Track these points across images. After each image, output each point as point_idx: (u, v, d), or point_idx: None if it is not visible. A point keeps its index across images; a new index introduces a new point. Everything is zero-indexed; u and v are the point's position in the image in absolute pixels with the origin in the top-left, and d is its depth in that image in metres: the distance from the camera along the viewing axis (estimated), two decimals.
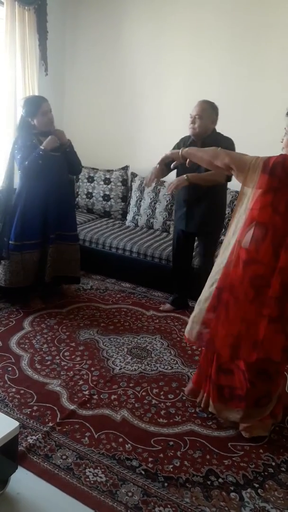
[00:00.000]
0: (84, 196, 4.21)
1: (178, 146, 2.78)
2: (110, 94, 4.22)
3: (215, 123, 2.70)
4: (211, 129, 2.68)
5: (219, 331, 1.82)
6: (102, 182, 4.12)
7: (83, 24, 4.22)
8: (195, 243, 3.05)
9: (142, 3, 3.87)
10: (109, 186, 4.10)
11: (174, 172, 2.67)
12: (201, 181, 2.57)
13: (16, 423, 1.49)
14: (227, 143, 2.57)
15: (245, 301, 1.74)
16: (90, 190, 4.17)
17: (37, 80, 3.98)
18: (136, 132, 4.15)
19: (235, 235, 1.78)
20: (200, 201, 2.75)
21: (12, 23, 3.66)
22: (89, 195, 4.18)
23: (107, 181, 4.11)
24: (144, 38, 3.94)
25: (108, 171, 4.14)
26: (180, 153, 2.06)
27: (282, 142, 1.76)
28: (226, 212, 3.08)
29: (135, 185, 3.98)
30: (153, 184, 3.05)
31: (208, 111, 2.63)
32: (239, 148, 3.46)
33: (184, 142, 2.77)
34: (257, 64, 3.50)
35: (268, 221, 1.66)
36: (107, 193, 4.11)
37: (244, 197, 1.74)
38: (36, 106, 2.73)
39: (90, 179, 4.17)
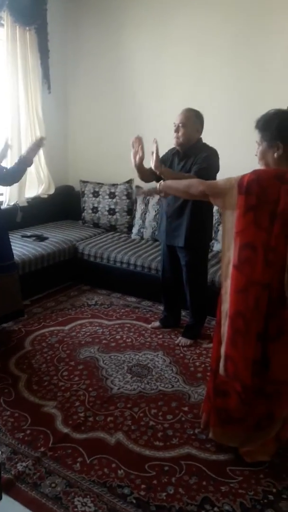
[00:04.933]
0: (90, 211, 4.20)
1: (165, 156, 2.73)
2: (112, 108, 4.23)
3: (200, 132, 2.61)
4: (196, 138, 2.59)
5: (240, 360, 1.73)
6: (107, 197, 4.11)
7: (83, 41, 4.26)
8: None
9: (141, 18, 3.89)
10: (114, 200, 4.08)
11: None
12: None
13: None
14: (207, 153, 2.50)
15: (256, 326, 1.66)
16: (96, 205, 4.16)
17: (41, 98, 4.03)
18: None
19: (230, 261, 1.70)
20: (182, 215, 2.62)
21: (13, 44, 3.72)
22: (95, 209, 4.17)
23: (112, 195, 4.09)
24: (145, 52, 3.94)
25: (113, 185, 4.13)
26: (157, 188, 2.06)
27: (256, 155, 1.71)
28: (214, 223, 2.94)
29: (139, 198, 3.95)
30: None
31: (192, 119, 2.55)
32: (245, 153, 3.40)
33: (169, 152, 2.72)
34: (260, 69, 3.44)
35: (255, 239, 1.59)
36: (112, 207, 4.09)
37: (228, 222, 1.67)
38: None
39: (96, 194, 4.16)
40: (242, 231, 1.60)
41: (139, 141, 2.52)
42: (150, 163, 2.38)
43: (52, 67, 4.10)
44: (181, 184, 1.92)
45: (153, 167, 2.35)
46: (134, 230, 3.97)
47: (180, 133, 2.56)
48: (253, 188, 1.57)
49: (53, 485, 1.69)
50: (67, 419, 2.06)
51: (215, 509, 1.61)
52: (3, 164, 2.72)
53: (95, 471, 1.76)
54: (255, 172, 1.63)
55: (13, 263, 2.78)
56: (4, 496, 1.58)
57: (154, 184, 3.04)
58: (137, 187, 4.03)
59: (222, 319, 1.75)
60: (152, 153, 2.32)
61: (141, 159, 2.53)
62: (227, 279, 1.70)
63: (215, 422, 1.88)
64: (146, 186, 3.69)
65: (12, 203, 3.83)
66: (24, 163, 2.73)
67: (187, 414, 2.13)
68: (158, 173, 2.13)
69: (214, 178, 2.57)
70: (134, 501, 1.63)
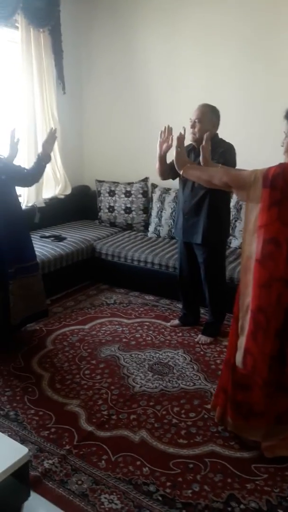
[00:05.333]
0: (106, 210, 4.22)
1: None
2: (126, 107, 4.24)
3: (217, 127, 2.60)
4: (212, 134, 2.58)
5: (259, 355, 1.73)
6: (123, 195, 4.12)
7: (96, 41, 4.27)
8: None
9: (153, 18, 3.89)
10: (130, 198, 4.09)
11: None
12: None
13: (25, 450, 1.48)
14: (225, 148, 2.49)
15: (276, 322, 1.65)
16: (112, 204, 4.18)
17: (56, 99, 4.06)
18: (154, 143, 4.10)
19: (252, 255, 1.69)
20: (199, 211, 2.61)
21: (28, 46, 3.76)
22: (111, 209, 4.19)
23: (128, 194, 4.10)
24: (158, 49, 3.94)
25: (129, 184, 4.14)
26: (181, 172, 2.03)
27: (282, 146, 1.68)
28: (231, 219, 2.92)
29: (155, 196, 3.96)
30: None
31: (208, 115, 2.54)
32: (259, 148, 3.42)
33: (185, 149, 2.71)
34: (272, 63, 3.41)
35: (279, 235, 1.58)
36: (129, 205, 4.11)
37: (251, 215, 1.66)
38: None
39: (112, 193, 4.18)
40: (266, 225, 1.59)
41: (169, 131, 2.56)
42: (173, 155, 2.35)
43: (66, 67, 4.12)
44: (205, 172, 1.89)
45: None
46: (151, 228, 3.98)
47: (196, 129, 2.55)
48: (278, 183, 1.56)
49: (79, 482, 1.71)
50: (91, 417, 2.08)
51: (241, 506, 1.62)
52: (17, 162, 2.74)
53: (120, 468, 1.78)
54: (281, 165, 1.61)
55: (36, 263, 2.78)
56: (32, 493, 1.60)
57: (170, 182, 3.05)
58: (153, 185, 4.04)
59: (241, 313, 1.75)
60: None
61: (169, 147, 2.59)
62: (248, 273, 1.69)
63: (235, 416, 1.88)
64: (162, 183, 3.71)
65: (30, 204, 3.87)
66: (43, 159, 2.72)
67: (210, 411, 2.13)
68: (182, 171, 2.10)
69: None
70: (160, 498, 1.64)
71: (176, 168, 2.10)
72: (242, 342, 1.73)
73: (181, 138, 2.16)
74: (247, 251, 1.69)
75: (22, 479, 1.50)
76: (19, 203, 2.53)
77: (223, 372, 1.99)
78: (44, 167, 2.77)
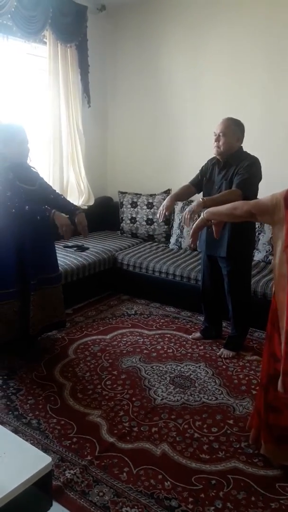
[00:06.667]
0: (128, 221, 4.25)
1: (205, 167, 2.76)
2: (150, 121, 4.30)
3: (241, 141, 2.60)
4: (236, 147, 2.58)
5: None
6: (145, 207, 4.15)
7: (122, 56, 4.36)
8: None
9: (179, 33, 3.95)
10: (152, 210, 4.12)
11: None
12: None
13: (49, 459, 1.48)
14: (249, 162, 2.48)
15: None
16: (134, 215, 4.21)
17: (81, 112, 4.14)
18: (176, 156, 4.17)
19: (285, 275, 1.67)
20: (223, 224, 2.58)
21: (55, 61, 3.86)
22: (133, 220, 4.22)
23: (150, 205, 4.13)
24: (182, 65, 4.00)
25: (151, 195, 4.16)
26: (203, 218, 1.96)
27: None
28: (256, 232, 2.90)
29: (177, 208, 3.97)
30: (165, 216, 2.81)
31: (232, 128, 2.54)
32: (284, 162, 3.40)
33: (209, 162, 2.74)
34: None
35: None
36: (150, 217, 4.13)
37: (278, 237, 1.66)
38: (12, 134, 2.44)
39: (134, 205, 4.21)
40: None
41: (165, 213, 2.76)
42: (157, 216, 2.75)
43: (92, 82, 4.21)
44: (224, 208, 1.85)
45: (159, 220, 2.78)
46: (172, 240, 3.98)
47: (220, 142, 2.56)
48: None
49: (101, 493, 1.70)
50: (112, 428, 2.07)
51: None
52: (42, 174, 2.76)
53: (141, 481, 1.76)
54: None
55: (59, 274, 2.79)
56: (54, 503, 1.60)
57: (195, 196, 3.05)
58: None
59: (282, 334, 1.71)
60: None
61: (169, 210, 2.80)
62: (281, 293, 1.67)
63: (267, 439, 1.83)
64: None
65: None
66: (68, 213, 2.72)
67: (233, 427, 2.09)
68: (203, 216, 2.06)
69: (257, 187, 2.56)
70: None
71: (198, 224, 2.03)
72: (282, 365, 1.69)
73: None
74: (279, 271, 1.68)
75: (45, 488, 1.49)
76: (47, 215, 2.57)
77: (258, 394, 1.95)
78: (47, 212, 2.60)
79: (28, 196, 2.48)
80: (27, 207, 2.44)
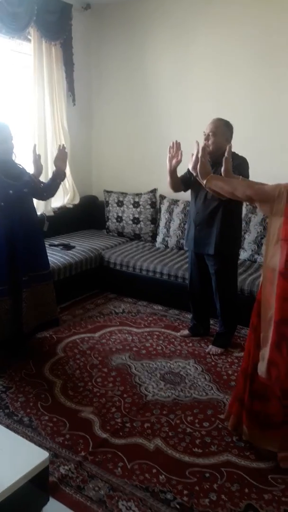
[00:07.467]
0: (114, 220, 4.25)
1: None
2: (136, 119, 4.30)
3: (230, 141, 2.63)
4: (225, 147, 2.62)
5: (283, 365, 1.72)
6: (131, 206, 4.16)
7: (107, 54, 4.36)
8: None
9: (164, 31, 3.96)
10: (138, 209, 4.13)
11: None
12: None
13: (46, 454, 1.47)
14: (238, 162, 2.52)
15: None
16: (120, 214, 4.21)
17: (66, 110, 4.11)
18: (163, 155, 4.10)
19: (276, 268, 1.70)
20: (212, 222, 2.64)
21: (40, 58, 3.82)
22: (119, 218, 4.22)
23: (136, 204, 4.14)
24: (168, 63, 4.01)
25: (137, 194, 4.17)
26: (204, 182, 2.04)
27: None
28: (242, 231, 2.94)
29: (164, 207, 3.99)
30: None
31: (221, 128, 2.58)
32: (271, 165, 3.46)
33: None
34: (283, 83, 3.47)
35: None
36: (137, 216, 4.14)
37: (274, 227, 1.69)
38: None
39: (120, 203, 4.21)
40: None
41: (178, 146, 2.60)
42: (188, 165, 2.36)
43: (76, 80, 4.19)
44: (228, 184, 1.90)
45: (190, 169, 2.31)
46: (159, 238, 4.00)
47: (210, 142, 2.59)
48: None
49: (96, 488, 1.70)
50: (105, 424, 2.07)
51: None
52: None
53: (136, 476, 1.77)
54: None
55: (50, 272, 2.79)
56: (51, 499, 1.59)
57: (178, 194, 3.07)
58: (161, 196, 4.07)
59: (264, 324, 1.75)
60: (192, 155, 2.28)
61: (178, 162, 2.62)
62: (271, 285, 1.71)
63: (251, 425, 1.87)
64: (170, 195, 3.73)
65: (39, 213, 3.88)
66: (59, 177, 2.79)
67: (224, 422, 2.12)
68: (194, 174, 2.12)
69: None
70: (178, 507, 1.63)
71: (199, 178, 2.12)
72: (265, 353, 1.73)
73: (205, 149, 2.19)
74: (271, 263, 1.71)
75: (42, 483, 1.49)
76: (36, 213, 2.58)
77: (239, 382, 1.99)
78: (59, 184, 2.83)
79: (21, 198, 2.54)
80: (11, 191, 2.48)
